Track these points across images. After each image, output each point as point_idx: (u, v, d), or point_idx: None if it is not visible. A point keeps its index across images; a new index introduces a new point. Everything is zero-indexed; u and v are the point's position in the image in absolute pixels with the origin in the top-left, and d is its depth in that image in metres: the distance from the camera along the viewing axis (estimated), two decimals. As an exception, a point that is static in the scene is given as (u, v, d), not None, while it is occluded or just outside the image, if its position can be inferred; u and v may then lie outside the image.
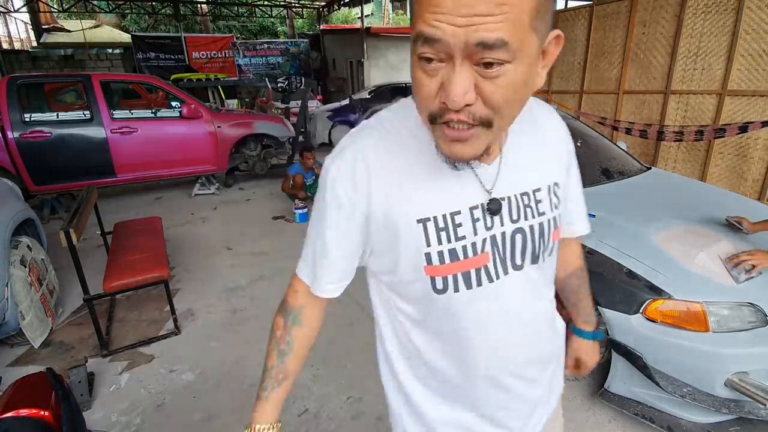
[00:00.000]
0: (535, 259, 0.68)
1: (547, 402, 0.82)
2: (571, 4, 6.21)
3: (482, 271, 0.64)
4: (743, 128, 3.71)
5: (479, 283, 0.64)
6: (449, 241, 0.62)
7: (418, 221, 0.62)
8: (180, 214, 4.87)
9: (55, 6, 16.18)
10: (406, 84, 9.84)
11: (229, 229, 4.35)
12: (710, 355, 1.54)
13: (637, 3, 4.71)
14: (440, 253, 0.62)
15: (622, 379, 1.79)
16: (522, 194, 0.66)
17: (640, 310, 1.66)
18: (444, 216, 0.62)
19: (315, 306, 0.75)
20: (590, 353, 1.00)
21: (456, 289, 0.64)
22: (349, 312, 2.67)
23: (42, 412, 1.12)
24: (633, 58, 4.92)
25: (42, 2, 14.63)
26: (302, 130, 6.61)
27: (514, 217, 0.66)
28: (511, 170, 0.65)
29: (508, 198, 0.65)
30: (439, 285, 0.64)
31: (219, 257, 3.66)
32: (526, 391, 0.76)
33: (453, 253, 0.62)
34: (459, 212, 0.62)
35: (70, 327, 2.67)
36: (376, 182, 0.62)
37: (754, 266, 1.65)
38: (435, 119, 0.52)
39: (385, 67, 13.17)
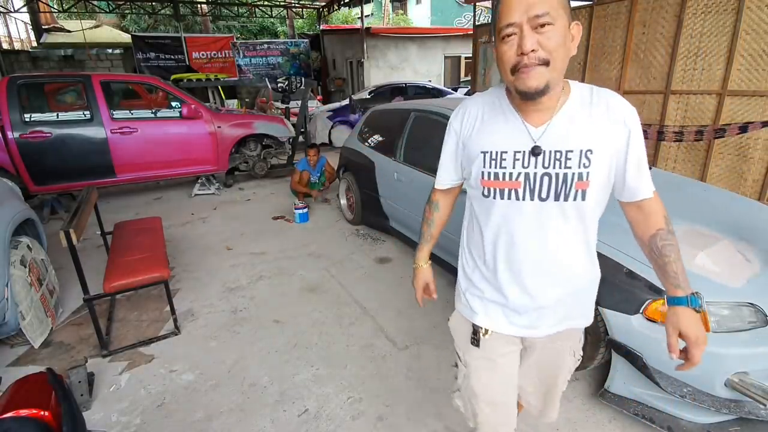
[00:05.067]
0: (557, 197, 0.96)
1: (557, 319, 1.09)
2: (571, 4, 6.21)
3: (513, 192, 0.98)
4: (743, 128, 3.71)
5: (509, 198, 0.99)
6: (494, 167, 0.99)
7: (481, 152, 1.01)
8: (180, 214, 4.88)
9: (55, 6, 16.16)
10: (405, 84, 9.84)
11: (229, 229, 4.35)
12: (710, 355, 1.53)
13: (637, 3, 4.71)
14: (488, 173, 1.00)
15: (622, 379, 1.79)
16: (555, 151, 0.94)
17: (640, 310, 1.66)
18: (496, 152, 0.99)
19: (445, 198, 1.26)
20: (691, 323, 0.95)
21: (494, 197, 1.01)
22: (349, 312, 2.65)
23: (42, 412, 1.12)
24: (633, 58, 4.92)
25: (42, 2, 14.61)
26: (302, 130, 6.61)
27: (545, 165, 0.94)
28: (553, 134, 0.94)
29: (544, 151, 0.94)
30: (486, 192, 1.02)
31: (219, 257, 3.66)
32: (534, 290, 1.04)
33: (495, 175, 0.99)
34: (506, 152, 0.97)
35: (70, 327, 2.67)
36: (466, 124, 1.06)
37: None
38: (514, 70, 0.87)
39: (385, 67, 13.16)
